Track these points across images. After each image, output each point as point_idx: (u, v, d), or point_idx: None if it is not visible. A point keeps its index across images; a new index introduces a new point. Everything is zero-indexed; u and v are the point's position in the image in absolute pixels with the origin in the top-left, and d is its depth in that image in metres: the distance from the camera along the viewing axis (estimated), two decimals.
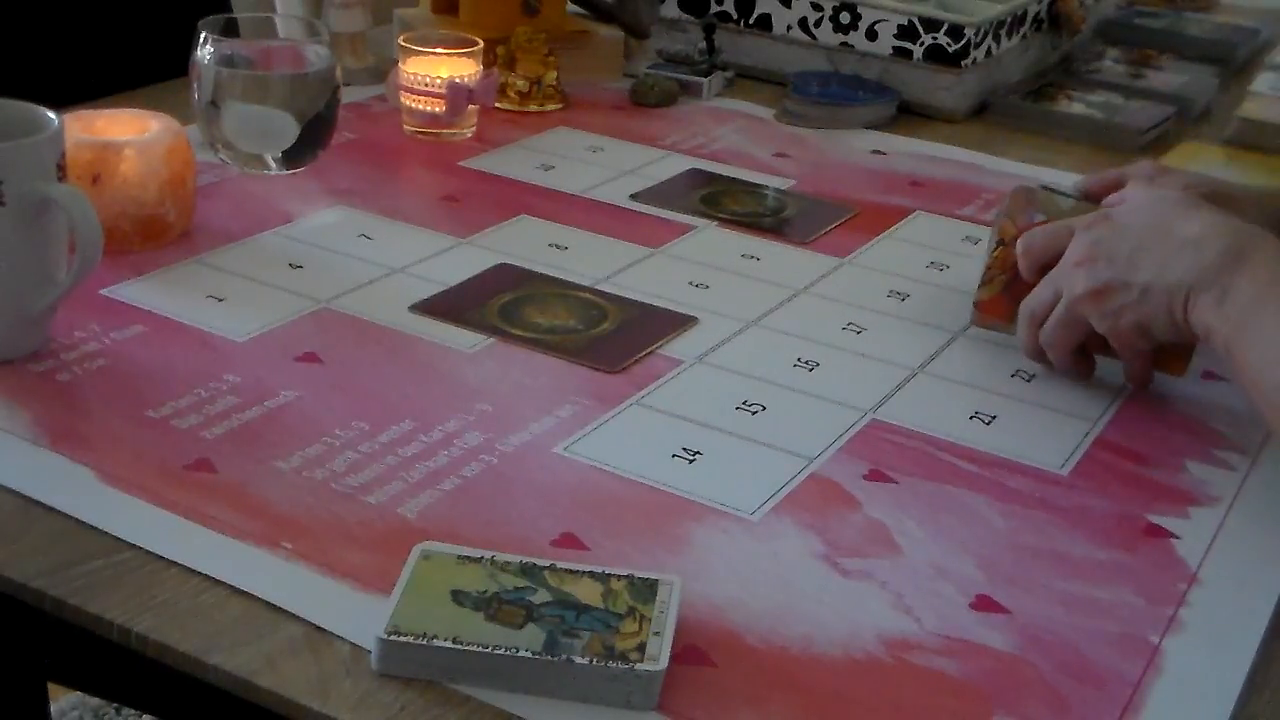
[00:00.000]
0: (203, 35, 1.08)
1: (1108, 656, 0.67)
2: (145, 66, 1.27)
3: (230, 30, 1.12)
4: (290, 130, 1.11)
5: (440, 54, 1.23)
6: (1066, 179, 1.26)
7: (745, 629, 0.67)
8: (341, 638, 0.64)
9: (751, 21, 1.48)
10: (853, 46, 1.43)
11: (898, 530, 0.75)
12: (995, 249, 0.93)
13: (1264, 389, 0.78)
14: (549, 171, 1.20)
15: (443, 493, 0.75)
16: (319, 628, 0.65)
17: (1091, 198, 0.94)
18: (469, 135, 1.25)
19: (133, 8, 1.42)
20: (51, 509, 0.71)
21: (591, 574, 0.66)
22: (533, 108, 1.34)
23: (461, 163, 1.20)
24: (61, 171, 0.83)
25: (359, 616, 0.65)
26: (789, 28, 1.46)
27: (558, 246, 1.05)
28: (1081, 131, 1.39)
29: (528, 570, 0.66)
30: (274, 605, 0.66)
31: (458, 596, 0.64)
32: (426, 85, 1.22)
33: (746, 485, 0.78)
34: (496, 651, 0.61)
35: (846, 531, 0.75)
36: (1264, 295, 0.79)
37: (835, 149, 1.31)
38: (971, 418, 0.87)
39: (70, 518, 0.71)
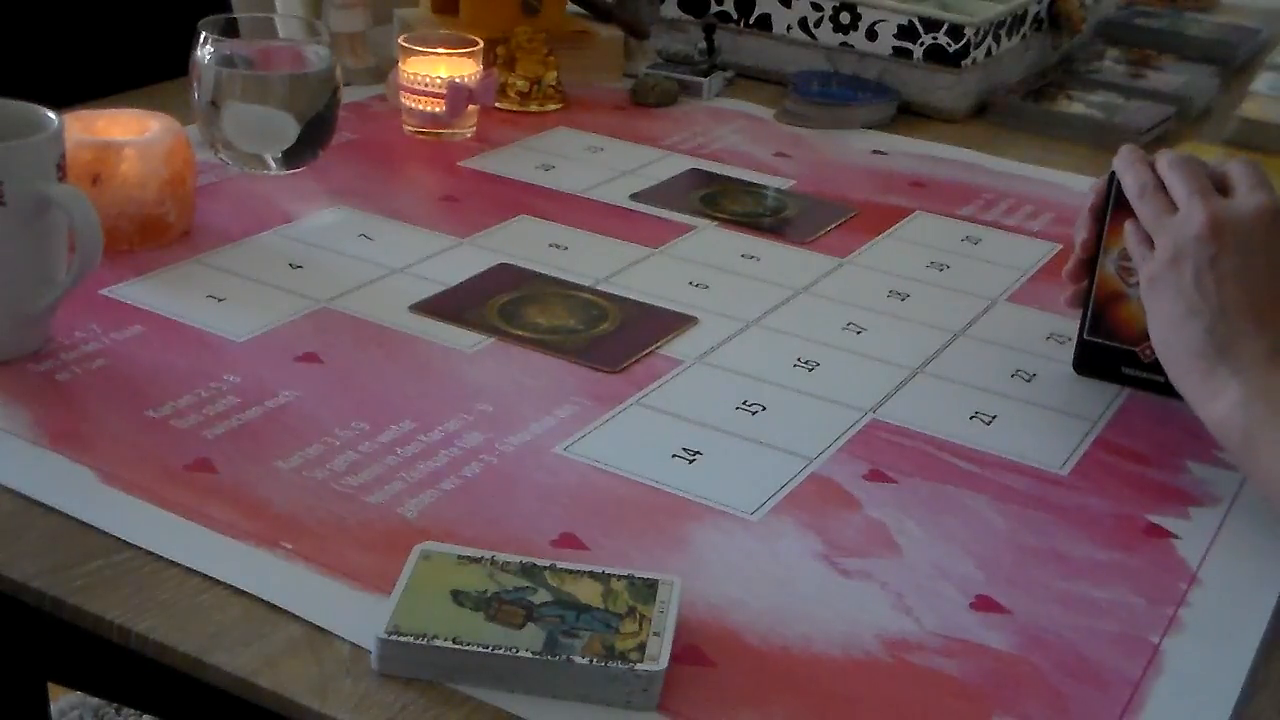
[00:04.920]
0: (203, 35, 1.08)
1: (1108, 656, 0.67)
2: (145, 66, 1.27)
3: (230, 30, 1.12)
4: (290, 130, 1.11)
5: (440, 54, 1.23)
6: (1068, 179, 1.27)
7: (745, 629, 0.67)
8: (341, 638, 0.64)
9: (751, 21, 1.48)
10: (853, 46, 1.43)
11: (898, 530, 0.75)
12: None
13: None
14: (549, 171, 1.20)
15: (443, 493, 0.75)
16: (319, 628, 0.65)
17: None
18: (469, 135, 1.25)
19: (133, 8, 1.42)
20: (51, 509, 0.71)
21: (591, 574, 0.66)
22: (533, 108, 1.34)
23: (461, 163, 1.20)
24: (61, 171, 0.83)
25: (359, 616, 0.65)
26: (789, 28, 1.46)
27: (558, 246, 1.05)
28: (1081, 131, 1.39)
29: (528, 570, 0.66)
30: (274, 605, 0.66)
31: (458, 596, 0.64)
32: (426, 85, 1.22)
33: (746, 485, 0.78)
34: (496, 651, 0.61)
35: (846, 531, 0.75)
36: None
37: (835, 149, 1.31)
38: (971, 418, 0.87)
39: (70, 518, 0.71)
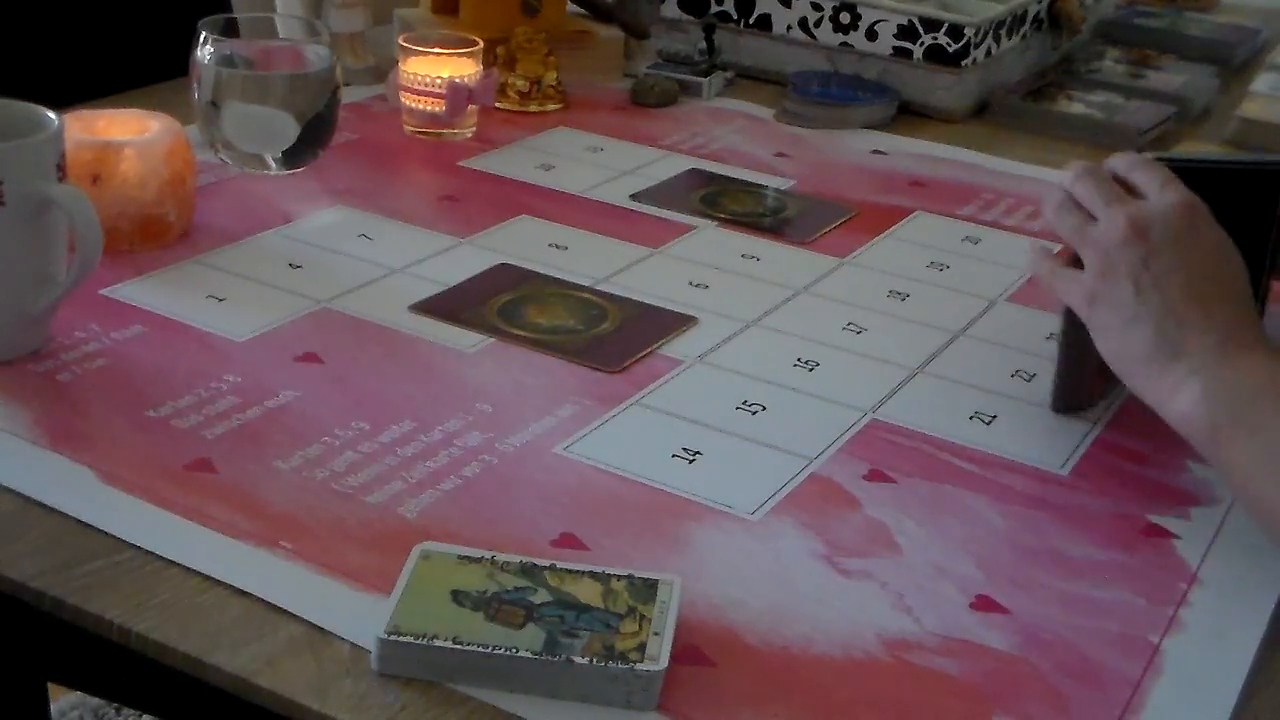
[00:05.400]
0: (203, 35, 1.08)
1: (1108, 656, 0.67)
2: (145, 66, 1.27)
3: (230, 30, 1.12)
4: (290, 130, 1.11)
5: (440, 54, 1.23)
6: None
7: (745, 629, 0.67)
8: (341, 638, 0.64)
9: (751, 21, 1.48)
10: (853, 46, 1.43)
11: (898, 530, 0.75)
12: None
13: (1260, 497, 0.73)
14: (549, 171, 1.20)
15: (443, 493, 0.75)
16: (319, 628, 0.65)
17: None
18: (469, 135, 1.25)
19: (133, 8, 1.42)
20: (51, 509, 0.71)
21: (591, 574, 0.66)
22: (533, 108, 1.34)
23: (461, 163, 1.20)
24: (61, 171, 0.83)
25: (359, 616, 0.65)
26: (789, 28, 1.46)
27: (558, 246, 1.05)
28: (1081, 131, 1.39)
29: (528, 570, 0.66)
30: (274, 605, 0.66)
31: (458, 596, 0.64)
32: (426, 85, 1.22)
33: (746, 485, 0.78)
34: (496, 651, 0.61)
35: (846, 531, 0.75)
36: (1262, 392, 0.75)
37: (835, 149, 1.31)
38: (971, 418, 0.87)
39: (70, 518, 0.71)
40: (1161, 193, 0.81)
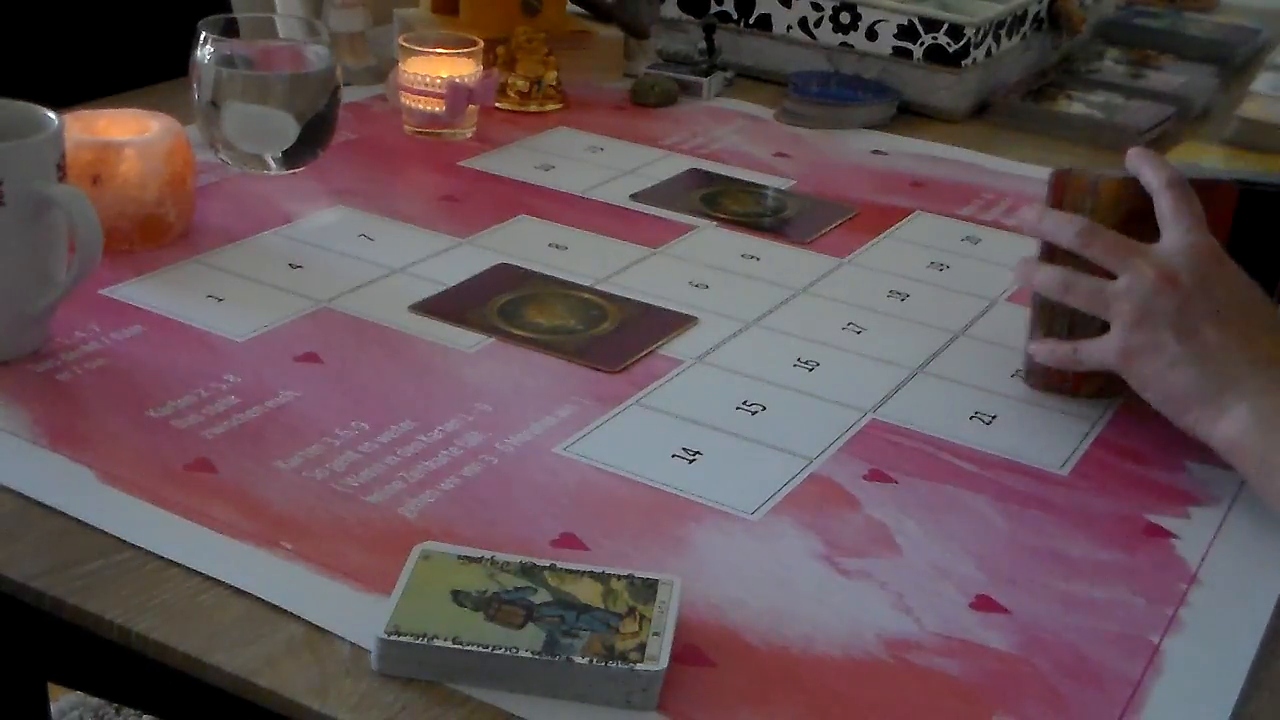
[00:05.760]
0: (203, 35, 1.08)
1: (1108, 656, 0.67)
2: (145, 66, 1.27)
3: (230, 30, 1.12)
4: (290, 130, 1.11)
5: (440, 54, 1.23)
6: None
7: (745, 629, 0.67)
8: (341, 638, 0.64)
9: (751, 21, 1.48)
10: (853, 46, 1.43)
11: (898, 530, 0.75)
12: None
13: None
14: (549, 171, 1.20)
15: (443, 493, 0.75)
16: (319, 628, 0.65)
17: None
18: (469, 135, 1.25)
19: (133, 8, 1.42)
20: (51, 509, 0.71)
21: (591, 574, 0.66)
22: (533, 108, 1.34)
23: (461, 163, 1.20)
24: (61, 171, 0.83)
25: (359, 616, 0.65)
26: (789, 28, 1.46)
27: (558, 246, 1.05)
28: (1081, 131, 1.39)
29: (528, 570, 0.66)
30: (274, 605, 0.66)
31: (458, 597, 0.64)
32: (426, 85, 1.22)
33: (746, 485, 0.78)
34: (496, 651, 0.61)
35: (846, 531, 0.75)
36: None
37: (835, 149, 1.31)
38: (971, 418, 0.87)
39: (70, 518, 0.71)
40: (1185, 236, 0.82)
